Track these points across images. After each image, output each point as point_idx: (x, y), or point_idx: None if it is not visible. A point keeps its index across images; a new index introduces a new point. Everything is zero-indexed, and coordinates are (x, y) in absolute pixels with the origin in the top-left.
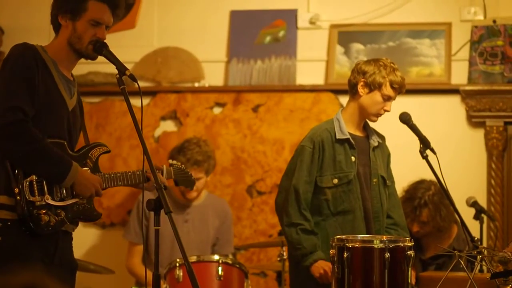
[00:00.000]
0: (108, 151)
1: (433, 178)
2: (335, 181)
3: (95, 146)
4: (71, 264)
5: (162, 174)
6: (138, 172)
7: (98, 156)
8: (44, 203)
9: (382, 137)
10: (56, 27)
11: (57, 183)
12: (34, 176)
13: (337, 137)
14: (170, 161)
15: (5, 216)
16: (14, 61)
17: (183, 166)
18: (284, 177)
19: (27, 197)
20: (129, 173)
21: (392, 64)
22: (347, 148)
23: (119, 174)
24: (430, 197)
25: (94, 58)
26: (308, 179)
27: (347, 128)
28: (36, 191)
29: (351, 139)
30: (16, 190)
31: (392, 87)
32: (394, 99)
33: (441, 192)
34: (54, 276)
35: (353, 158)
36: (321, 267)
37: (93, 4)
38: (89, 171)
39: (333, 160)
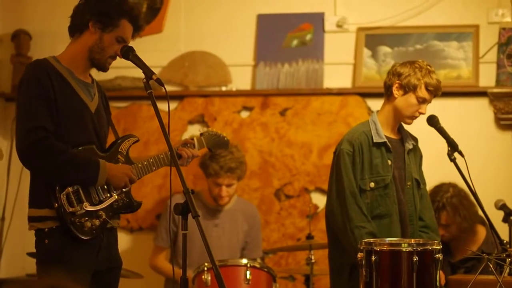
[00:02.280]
0: (137, 140)
1: (454, 180)
2: (372, 184)
3: (123, 139)
4: (116, 262)
5: (194, 147)
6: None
7: (128, 149)
8: (84, 211)
9: (415, 139)
10: (79, 30)
11: (92, 185)
12: (69, 188)
13: (375, 141)
14: (200, 129)
15: (50, 225)
16: (28, 82)
17: (214, 130)
18: (330, 185)
19: (66, 209)
20: (161, 156)
21: (428, 67)
22: (383, 152)
23: (151, 160)
24: (448, 200)
25: (105, 71)
26: (355, 183)
27: (383, 131)
28: (74, 201)
29: (387, 142)
30: (56, 205)
31: (427, 89)
32: (429, 101)
33: (461, 193)
34: (98, 279)
35: (389, 162)
36: None
37: (125, 22)
38: None
39: (370, 163)
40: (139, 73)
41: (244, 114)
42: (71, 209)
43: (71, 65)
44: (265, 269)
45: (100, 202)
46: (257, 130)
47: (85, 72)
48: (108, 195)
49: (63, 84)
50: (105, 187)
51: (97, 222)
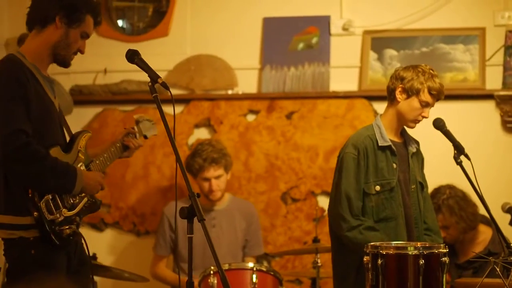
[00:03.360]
0: (90, 133)
1: (459, 183)
2: (378, 188)
3: (78, 137)
4: (86, 260)
5: (136, 137)
6: (118, 144)
7: (85, 145)
8: (62, 217)
9: (417, 143)
10: (41, 23)
11: (68, 193)
12: (48, 195)
13: (380, 144)
14: (135, 116)
15: (34, 234)
16: (5, 81)
17: (145, 116)
18: (333, 188)
19: (47, 217)
20: (112, 149)
21: (431, 71)
22: (388, 155)
23: (105, 155)
24: (444, 201)
25: (67, 67)
26: (356, 186)
27: (387, 135)
28: (53, 208)
29: (392, 145)
30: (36, 213)
31: (430, 93)
32: (432, 105)
33: (458, 194)
34: (76, 281)
35: (394, 165)
36: None
37: (89, 18)
38: (83, 165)
39: (375, 167)
40: (145, 77)
41: (250, 118)
42: (51, 217)
43: (36, 61)
44: (272, 273)
45: (74, 206)
46: (263, 134)
47: (46, 68)
48: (78, 198)
49: (34, 82)
50: None
51: (73, 227)
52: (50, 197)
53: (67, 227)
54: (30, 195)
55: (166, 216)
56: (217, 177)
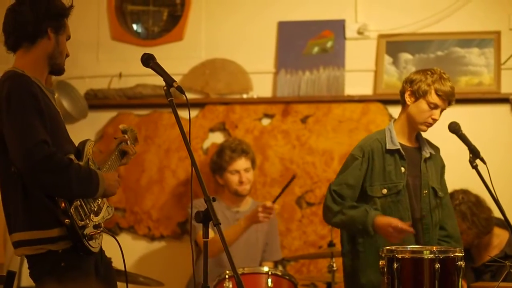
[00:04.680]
0: (93, 142)
1: (470, 186)
2: (384, 191)
3: (85, 145)
4: (109, 263)
5: (128, 143)
6: (116, 153)
7: (92, 153)
8: (92, 223)
9: (436, 149)
10: (31, 39)
11: (93, 197)
12: (76, 201)
13: (387, 148)
14: (120, 127)
15: (64, 246)
16: (19, 95)
17: (128, 126)
18: None
19: (78, 224)
20: (113, 157)
21: (442, 74)
22: (397, 159)
23: (109, 163)
24: (457, 207)
25: (62, 74)
26: (352, 182)
27: (398, 139)
28: (82, 215)
29: (401, 149)
30: (67, 221)
31: (437, 94)
32: (443, 108)
33: (471, 200)
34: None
35: (402, 169)
36: (385, 223)
37: (66, 21)
38: None
39: (382, 170)
40: (160, 81)
41: (265, 122)
42: (81, 223)
43: (37, 74)
44: (287, 277)
45: (98, 211)
46: (278, 138)
47: (45, 80)
48: (100, 203)
49: (43, 95)
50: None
51: (101, 232)
52: (79, 204)
53: (97, 232)
54: (60, 204)
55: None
56: (247, 170)
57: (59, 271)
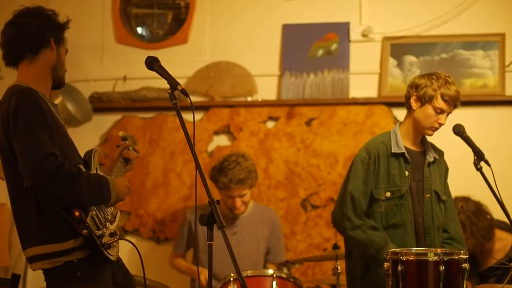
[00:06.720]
0: (99, 151)
1: (475, 188)
2: (388, 194)
3: (90, 154)
4: (129, 273)
5: (129, 149)
6: (120, 160)
7: (98, 162)
8: (109, 231)
9: (440, 153)
10: (34, 51)
11: (106, 204)
12: (92, 211)
13: (393, 151)
14: (120, 134)
15: (79, 255)
16: (26, 109)
17: (125, 132)
18: (341, 189)
19: (96, 234)
20: (118, 164)
21: (447, 78)
22: (401, 162)
23: (116, 170)
24: None
25: (62, 87)
26: (364, 189)
27: (404, 142)
28: (98, 224)
29: (406, 153)
30: (85, 231)
31: (443, 99)
32: (449, 112)
33: (470, 208)
34: None
35: (406, 173)
36: None
37: (65, 36)
38: None
39: (387, 173)
40: (164, 84)
41: (270, 124)
42: (99, 233)
43: (41, 89)
44: (292, 279)
45: (113, 220)
46: (283, 140)
47: (49, 93)
48: (112, 210)
49: (49, 108)
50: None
51: (116, 239)
52: (94, 213)
53: (114, 240)
54: (74, 214)
55: (188, 220)
56: (241, 196)
57: (75, 281)
